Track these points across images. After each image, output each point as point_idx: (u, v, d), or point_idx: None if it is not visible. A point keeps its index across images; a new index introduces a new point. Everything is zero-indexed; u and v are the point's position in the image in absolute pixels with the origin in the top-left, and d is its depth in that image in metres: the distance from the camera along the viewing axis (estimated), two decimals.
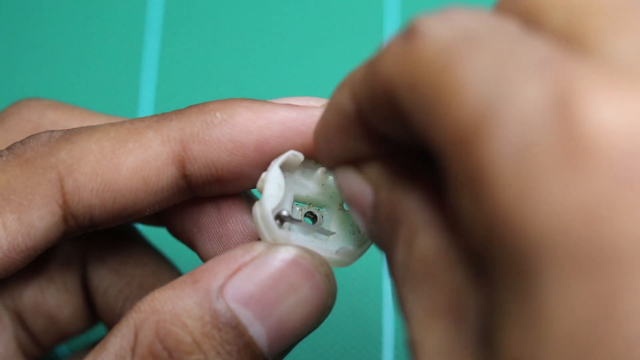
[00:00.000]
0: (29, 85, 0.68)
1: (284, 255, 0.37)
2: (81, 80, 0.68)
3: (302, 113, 0.40)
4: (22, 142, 0.41)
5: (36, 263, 0.48)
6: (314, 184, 0.41)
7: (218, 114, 0.40)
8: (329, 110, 0.36)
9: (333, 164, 0.37)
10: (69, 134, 0.41)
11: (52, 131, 0.41)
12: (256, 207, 0.39)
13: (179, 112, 0.41)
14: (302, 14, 0.70)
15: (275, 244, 0.38)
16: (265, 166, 0.40)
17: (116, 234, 0.50)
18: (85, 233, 0.48)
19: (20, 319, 0.48)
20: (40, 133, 0.41)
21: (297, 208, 0.41)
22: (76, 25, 0.70)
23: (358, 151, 0.36)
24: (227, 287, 0.37)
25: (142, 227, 0.51)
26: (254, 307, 0.37)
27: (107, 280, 0.49)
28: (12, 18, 0.70)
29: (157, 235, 0.52)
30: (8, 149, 0.41)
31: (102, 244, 0.49)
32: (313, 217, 0.41)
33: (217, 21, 0.70)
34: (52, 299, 0.49)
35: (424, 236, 0.31)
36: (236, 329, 0.36)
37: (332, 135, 0.36)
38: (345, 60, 0.68)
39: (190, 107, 0.41)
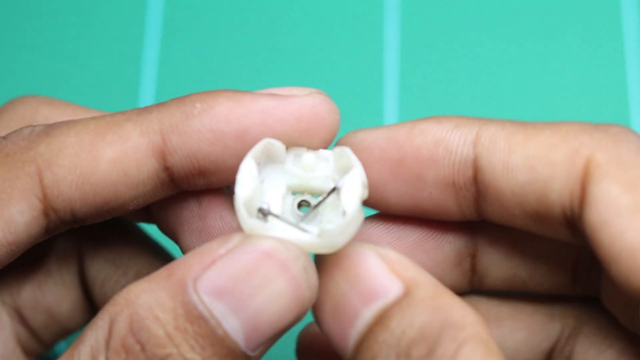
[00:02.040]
0: (31, 83, 0.68)
1: (258, 247, 0.36)
2: (82, 78, 0.68)
3: (283, 100, 0.39)
4: (4, 137, 0.41)
5: (33, 259, 0.48)
6: (303, 170, 0.40)
7: (198, 105, 0.39)
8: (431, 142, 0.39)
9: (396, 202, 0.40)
10: (50, 128, 0.40)
11: (34, 125, 0.41)
12: (234, 198, 0.38)
13: (160, 104, 0.40)
14: (302, 13, 0.70)
15: (251, 236, 0.37)
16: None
17: (111, 226, 0.49)
18: (81, 226, 0.49)
19: (19, 316, 0.48)
20: (23, 128, 0.41)
21: (292, 197, 0.40)
22: (77, 23, 0.70)
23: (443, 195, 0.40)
24: (201, 280, 0.36)
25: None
26: (228, 300, 0.36)
27: (103, 271, 0.49)
28: (15, 17, 0.71)
29: (154, 227, 0.52)
30: None
31: (98, 236, 0.49)
32: (307, 205, 0.40)
33: (217, 19, 0.69)
34: (50, 294, 0.49)
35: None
36: (209, 322, 0.36)
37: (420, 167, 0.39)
38: (344, 59, 0.68)
39: (172, 99, 0.41)
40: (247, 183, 0.38)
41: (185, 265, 0.37)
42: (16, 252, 0.40)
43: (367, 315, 0.36)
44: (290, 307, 0.37)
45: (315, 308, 0.38)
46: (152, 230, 0.52)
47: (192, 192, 0.43)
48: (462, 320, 0.34)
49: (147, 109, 0.40)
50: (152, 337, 0.36)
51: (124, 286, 0.46)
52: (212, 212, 0.43)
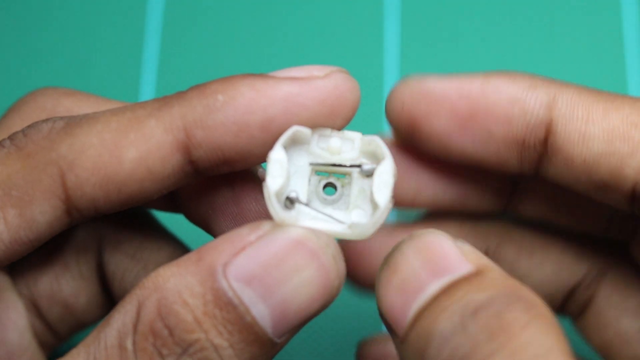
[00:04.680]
0: (32, 82, 0.68)
1: (289, 235, 0.36)
2: (82, 78, 0.68)
3: (305, 86, 0.39)
4: (23, 132, 0.40)
5: (51, 251, 0.48)
6: (329, 152, 0.40)
7: (220, 97, 0.39)
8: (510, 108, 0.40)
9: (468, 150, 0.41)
10: (70, 126, 0.40)
11: (54, 121, 0.40)
12: (264, 188, 0.38)
13: (180, 95, 0.40)
14: (302, 12, 0.70)
15: (282, 224, 0.37)
16: (273, 142, 0.39)
17: (131, 220, 0.49)
18: (100, 220, 0.48)
19: (35, 308, 0.48)
20: (42, 123, 0.40)
21: (316, 177, 0.40)
22: (78, 23, 0.70)
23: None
24: (231, 266, 0.36)
25: (158, 212, 0.51)
26: (257, 286, 0.36)
27: (123, 265, 0.48)
28: (16, 16, 0.71)
29: (173, 221, 0.52)
30: (10, 138, 0.40)
31: (118, 230, 0.49)
32: (332, 187, 0.40)
33: (217, 19, 0.69)
34: (67, 286, 0.49)
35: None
36: (238, 308, 0.36)
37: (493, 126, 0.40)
38: (344, 59, 0.67)
39: (191, 89, 0.40)
40: (278, 174, 0.38)
41: (215, 251, 0.37)
42: (36, 246, 0.40)
43: (433, 287, 0.35)
44: (318, 295, 0.37)
45: (380, 284, 0.37)
46: (171, 224, 0.52)
47: (223, 178, 0.43)
48: (533, 299, 0.34)
49: (167, 102, 0.40)
50: (181, 322, 0.36)
51: None
52: (246, 196, 0.43)
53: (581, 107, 0.40)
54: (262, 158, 0.39)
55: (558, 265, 0.48)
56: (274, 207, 0.37)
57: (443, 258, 0.36)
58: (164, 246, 0.49)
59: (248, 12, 0.70)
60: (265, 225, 0.37)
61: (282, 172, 0.38)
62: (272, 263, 0.36)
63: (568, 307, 0.49)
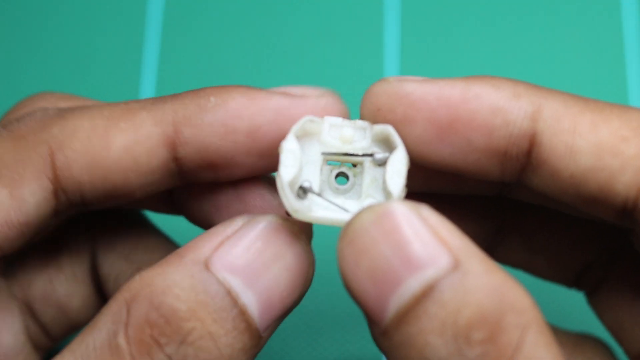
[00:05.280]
0: (31, 82, 0.68)
1: (263, 224, 0.37)
2: (82, 78, 0.68)
3: (295, 101, 0.40)
4: (17, 119, 0.41)
5: (45, 253, 0.48)
6: (341, 142, 0.40)
7: (212, 99, 0.40)
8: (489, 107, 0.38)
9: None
10: (64, 112, 0.41)
11: (47, 108, 0.41)
12: (277, 178, 0.38)
13: (175, 95, 0.41)
14: (302, 10, 0.70)
15: (256, 215, 0.38)
16: (257, 153, 0.40)
17: (125, 221, 0.49)
18: (94, 220, 0.48)
19: (29, 310, 0.48)
20: (36, 110, 0.41)
21: (329, 168, 0.40)
22: (77, 23, 0.70)
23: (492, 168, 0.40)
24: (214, 258, 0.37)
25: (152, 215, 0.51)
26: (242, 274, 0.36)
27: (117, 267, 0.49)
28: (15, 16, 0.71)
29: (167, 222, 0.52)
30: (4, 126, 0.41)
31: (111, 232, 0.49)
32: (345, 177, 0.40)
33: (217, 18, 0.70)
34: (61, 288, 0.49)
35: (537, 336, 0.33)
36: (228, 296, 0.36)
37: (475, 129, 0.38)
38: (345, 58, 0.67)
39: (187, 91, 0.41)
40: (291, 164, 0.38)
41: (194, 248, 0.37)
42: (26, 234, 0.41)
43: (413, 284, 0.34)
44: (298, 281, 0.38)
45: (347, 265, 0.35)
46: (167, 227, 0.52)
47: None
48: (521, 303, 0.33)
49: (162, 99, 0.41)
50: (176, 311, 0.36)
51: None
52: (250, 192, 0.43)
53: (568, 119, 0.38)
54: (246, 169, 0.40)
55: (568, 244, 0.47)
56: (287, 197, 0.38)
57: (416, 246, 0.34)
58: (158, 247, 0.49)
59: (248, 12, 0.70)
60: (239, 220, 0.38)
61: (295, 162, 0.38)
62: (252, 251, 0.37)
63: (582, 283, 0.48)
